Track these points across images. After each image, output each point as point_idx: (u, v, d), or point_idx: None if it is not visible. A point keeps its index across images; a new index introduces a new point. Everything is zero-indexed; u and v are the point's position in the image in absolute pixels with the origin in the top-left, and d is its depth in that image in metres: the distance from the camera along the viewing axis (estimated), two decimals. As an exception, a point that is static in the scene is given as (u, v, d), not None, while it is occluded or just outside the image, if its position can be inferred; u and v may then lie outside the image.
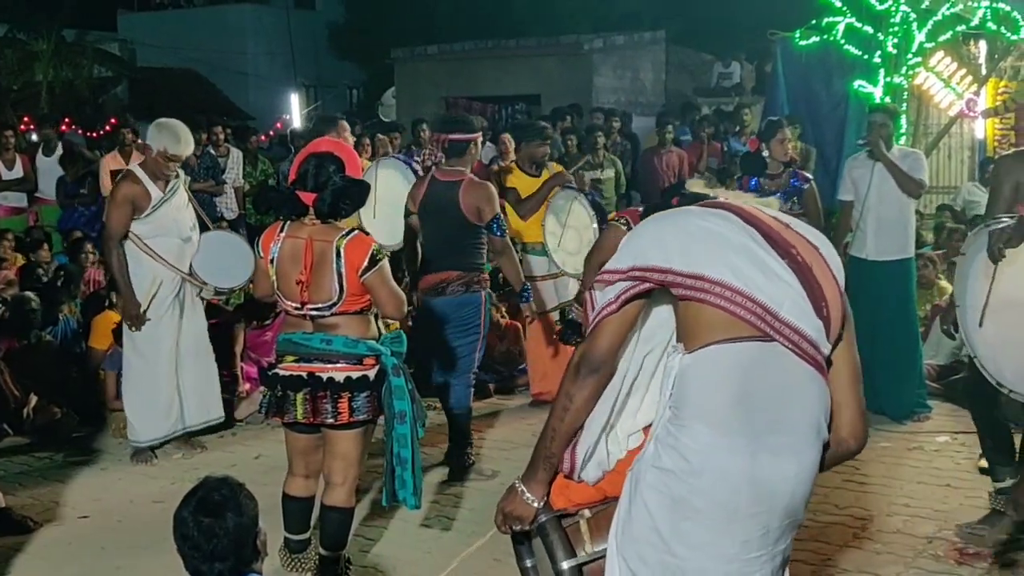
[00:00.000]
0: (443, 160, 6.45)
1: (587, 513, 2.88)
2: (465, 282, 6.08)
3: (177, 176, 6.51)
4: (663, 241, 2.62)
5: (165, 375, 6.56)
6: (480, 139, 6.33)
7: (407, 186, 6.63)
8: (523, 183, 7.61)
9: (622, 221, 5.46)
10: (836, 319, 2.57)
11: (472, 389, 6.34)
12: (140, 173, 6.37)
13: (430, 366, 6.27)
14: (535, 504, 2.78)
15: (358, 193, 4.38)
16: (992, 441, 5.28)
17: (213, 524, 2.84)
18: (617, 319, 2.64)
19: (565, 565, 2.82)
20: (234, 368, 7.67)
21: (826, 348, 2.55)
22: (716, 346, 2.51)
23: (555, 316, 7.57)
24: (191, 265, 6.56)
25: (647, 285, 2.61)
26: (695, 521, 2.52)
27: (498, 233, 6.03)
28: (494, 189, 6.20)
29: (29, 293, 7.89)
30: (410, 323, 6.69)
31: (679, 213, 2.73)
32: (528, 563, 3.19)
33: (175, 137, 6.33)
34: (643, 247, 2.64)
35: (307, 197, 4.31)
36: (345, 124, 6.63)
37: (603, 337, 2.66)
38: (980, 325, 4.89)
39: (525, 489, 2.77)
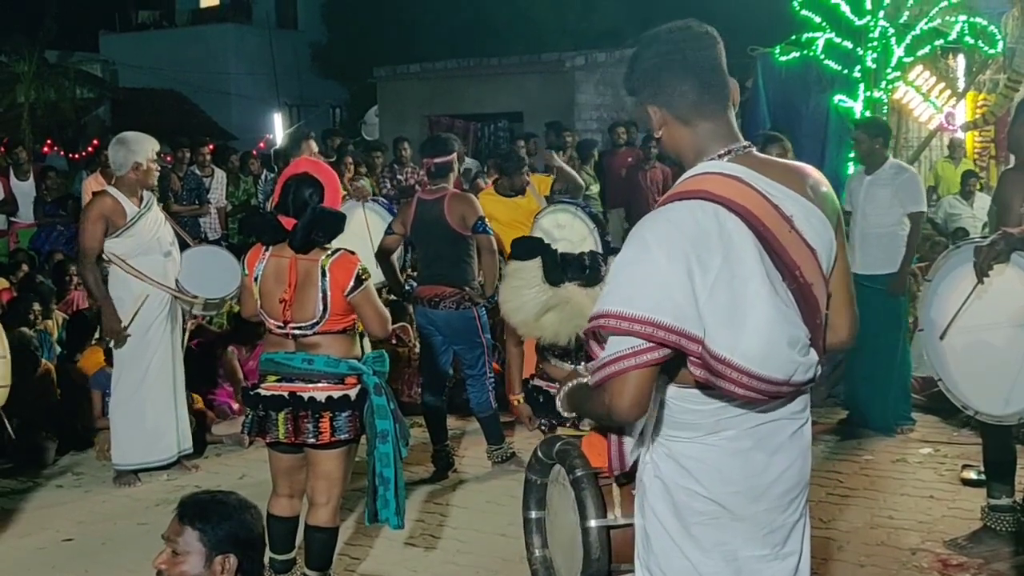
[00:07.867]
0: (427, 181, 6.65)
1: (622, 478, 2.82)
2: (456, 300, 6.39)
3: (152, 190, 6.62)
4: (693, 293, 2.30)
5: (153, 398, 6.50)
6: (456, 158, 6.60)
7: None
8: (499, 205, 7.64)
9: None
10: (823, 303, 2.51)
11: (492, 391, 6.62)
12: (114, 191, 6.42)
13: (443, 373, 6.69)
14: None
15: (331, 223, 4.35)
16: (995, 456, 5.17)
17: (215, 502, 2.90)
18: (644, 372, 2.33)
19: (593, 523, 2.79)
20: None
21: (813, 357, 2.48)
22: (696, 390, 2.46)
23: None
24: (177, 281, 6.55)
25: (668, 351, 2.33)
26: (701, 525, 2.51)
27: (481, 230, 6.34)
28: (475, 198, 6.62)
29: (26, 331, 7.72)
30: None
31: (695, 232, 2.33)
32: (533, 515, 3.17)
33: (146, 139, 6.46)
34: (666, 291, 2.30)
35: (288, 222, 4.32)
36: (312, 143, 6.74)
37: (628, 393, 2.33)
38: (941, 339, 4.71)
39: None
